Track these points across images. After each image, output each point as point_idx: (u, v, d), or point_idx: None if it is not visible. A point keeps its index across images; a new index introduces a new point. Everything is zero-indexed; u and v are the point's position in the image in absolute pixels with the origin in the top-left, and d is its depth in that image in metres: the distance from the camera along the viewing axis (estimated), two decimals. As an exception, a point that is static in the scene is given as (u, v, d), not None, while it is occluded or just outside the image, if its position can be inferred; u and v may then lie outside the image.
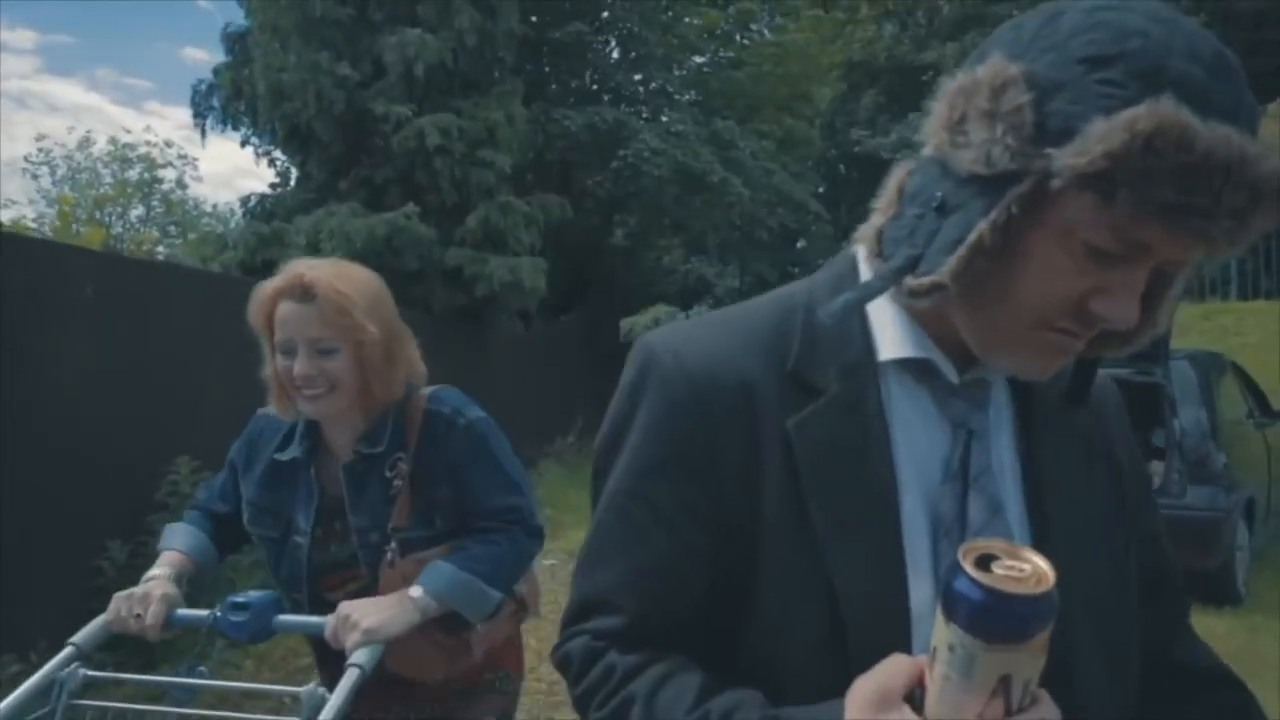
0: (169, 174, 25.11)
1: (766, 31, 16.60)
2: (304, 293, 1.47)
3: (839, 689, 0.62)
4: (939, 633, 0.56)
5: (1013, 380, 0.75)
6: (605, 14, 12.88)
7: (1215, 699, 0.80)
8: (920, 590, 0.67)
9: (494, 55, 8.96)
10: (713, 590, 0.71)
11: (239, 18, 9.64)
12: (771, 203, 13.28)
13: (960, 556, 0.54)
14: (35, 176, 23.98)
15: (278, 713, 1.55)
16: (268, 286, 1.51)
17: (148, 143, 25.25)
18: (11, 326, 3.52)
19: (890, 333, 0.71)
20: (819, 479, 0.68)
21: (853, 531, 0.67)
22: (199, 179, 40.38)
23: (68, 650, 1.33)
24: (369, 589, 1.51)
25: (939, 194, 0.64)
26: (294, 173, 10.11)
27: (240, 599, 1.40)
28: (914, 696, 0.58)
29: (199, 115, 9.56)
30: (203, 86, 9.56)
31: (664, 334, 0.77)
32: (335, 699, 1.24)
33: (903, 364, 0.71)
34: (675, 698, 0.67)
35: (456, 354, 7.72)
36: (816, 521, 0.67)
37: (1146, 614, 0.77)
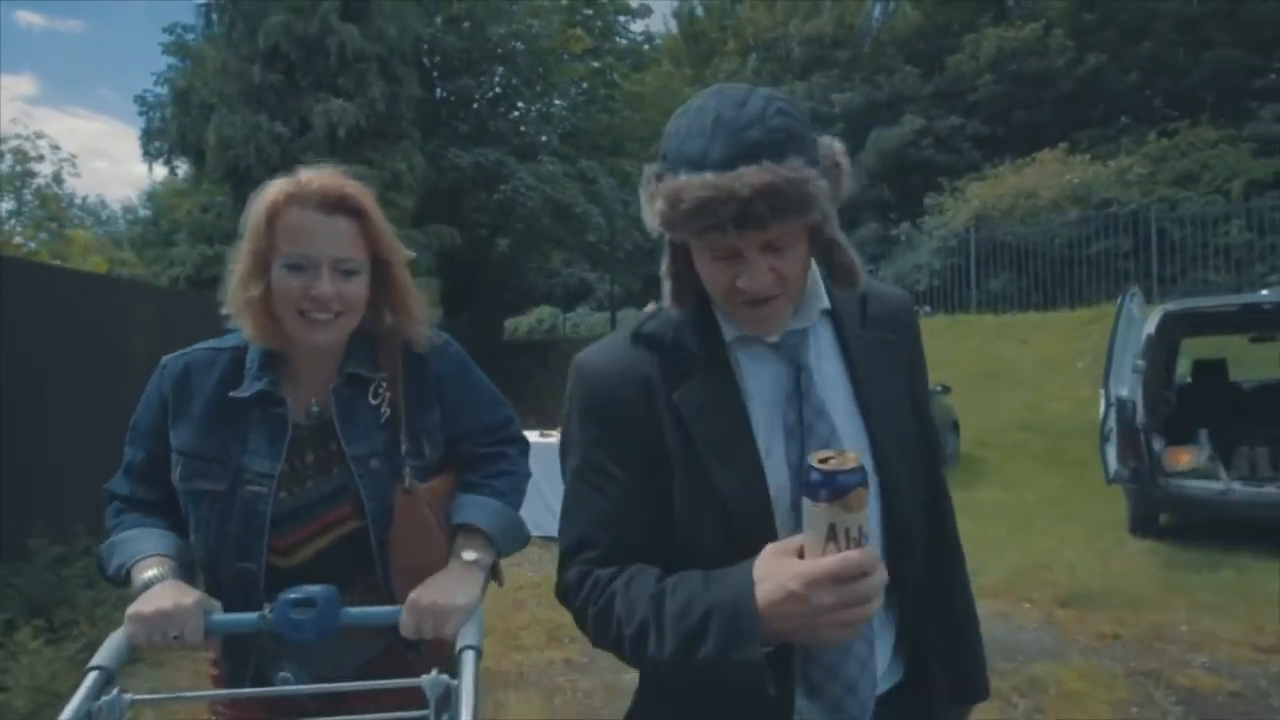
0: (44, 168, 24.79)
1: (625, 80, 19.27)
2: (338, 204, 1.28)
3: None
4: (804, 512, 0.84)
5: (834, 320, 1.08)
6: (494, 51, 15.35)
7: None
8: (778, 478, 0.99)
9: (399, 116, 11.38)
10: (652, 516, 1.01)
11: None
12: (628, 228, 16.07)
13: (810, 458, 0.84)
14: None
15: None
16: (276, 188, 1.28)
17: (18, 135, 24.52)
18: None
19: (727, 323, 1.04)
20: (698, 428, 0.99)
21: (724, 455, 0.98)
22: (76, 175, 38.69)
23: (95, 675, 1.09)
24: (359, 532, 1.33)
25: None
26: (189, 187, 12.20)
27: (299, 595, 1.19)
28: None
29: (148, 154, 11.77)
30: (151, 128, 11.73)
31: (583, 356, 1.10)
32: (465, 686, 1.12)
33: (740, 339, 1.04)
34: (642, 584, 0.97)
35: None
36: (703, 457, 0.98)
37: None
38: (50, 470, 4.84)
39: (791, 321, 1.03)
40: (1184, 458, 5.89)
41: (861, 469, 0.82)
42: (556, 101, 16.88)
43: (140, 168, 79.14)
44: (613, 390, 1.04)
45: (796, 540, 0.87)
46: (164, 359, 1.39)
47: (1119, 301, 6.13)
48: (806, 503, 0.83)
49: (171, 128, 11.18)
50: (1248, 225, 14.66)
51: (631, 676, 1.13)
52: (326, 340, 1.32)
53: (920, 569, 1.08)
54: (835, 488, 0.81)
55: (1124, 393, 5.76)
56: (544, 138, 16.33)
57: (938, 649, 1.12)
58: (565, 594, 1.07)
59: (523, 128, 15.89)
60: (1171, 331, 6.20)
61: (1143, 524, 6.19)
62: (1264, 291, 6.82)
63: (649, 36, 20.29)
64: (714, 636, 0.88)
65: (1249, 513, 5.56)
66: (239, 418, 1.33)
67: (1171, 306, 6.09)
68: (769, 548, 0.90)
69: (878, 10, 27.47)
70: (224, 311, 1.33)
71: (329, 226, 1.28)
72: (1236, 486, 5.63)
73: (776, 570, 0.86)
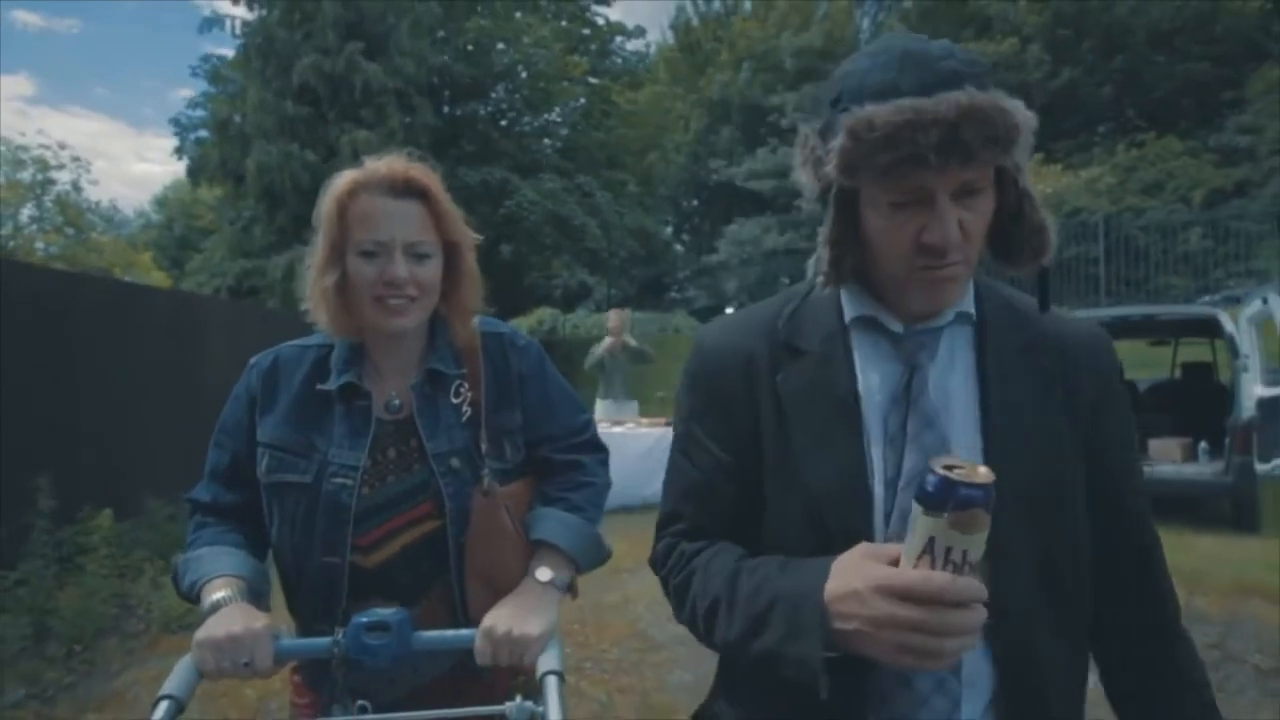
0: (63, 175, 24.00)
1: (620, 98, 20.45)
2: (405, 188, 1.28)
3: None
4: (910, 518, 0.74)
5: (979, 329, 0.94)
6: (498, 74, 16.66)
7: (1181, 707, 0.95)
8: (876, 482, 0.88)
9: (416, 142, 12.67)
10: (740, 495, 0.96)
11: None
12: (624, 237, 17.37)
13: (933, 461, 0.72)
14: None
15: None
16: (344, 178, 1.29)
17: (41, 145, 24.67)
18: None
19: (852, 302, 0.96)
20: (795, 413, 0.92)
21: (822, 443, 0.90)
22: (94, 182, 38.86)
23: (165, 704, 1.08)
24: (437, 534, 1.31)
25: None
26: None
27: (370, 618, 1.17)
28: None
29: (193, 177, 13.13)
30: (196, 154, 13.18)
31: (704, 326, 1.07)
32: (552, 712, 1.07)
33: (861, 321, 0.95)
34: (722, 562, 0.94)
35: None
36: (795, 444, 0.91)
37: (1102, 531, 0.93)
38: (162, 446, 6.19)
39: (926, 319, 0.92)
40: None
41: (989, 489, 0.70)
42: (556, 117, 18.16)
43: (139, 167, 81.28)
44: (717, 363, 1.00)
45: (894, 547, 0.77)
46: (252, 359, 1.40)
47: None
48: (915, 508, 0.72)
49: (213, 153, 12.56)
50: (1208, 233, 15.60)
51: (614, 597, 1.39)
52: (403, 326, 1.31)
53: (1026, 639, 0.88)
54: (953, 500, 0.69)
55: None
56: (546, 151, 17.58)
57: None
58: (655, 563, 1.05)
59: (524, 141, 17.15)
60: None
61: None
62: (1210, 297, 7.87)
63: (643, 55, 21.52)
64: (775, 625, 0.83)
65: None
66: (324, 411, 1.33)
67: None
68: (862, 546, 0.81)
69: (866, 24, 28.61)
70: (304, 306, 1.35)
71: (399, 210, 1.28)
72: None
73: (855, 568, 0.78)
